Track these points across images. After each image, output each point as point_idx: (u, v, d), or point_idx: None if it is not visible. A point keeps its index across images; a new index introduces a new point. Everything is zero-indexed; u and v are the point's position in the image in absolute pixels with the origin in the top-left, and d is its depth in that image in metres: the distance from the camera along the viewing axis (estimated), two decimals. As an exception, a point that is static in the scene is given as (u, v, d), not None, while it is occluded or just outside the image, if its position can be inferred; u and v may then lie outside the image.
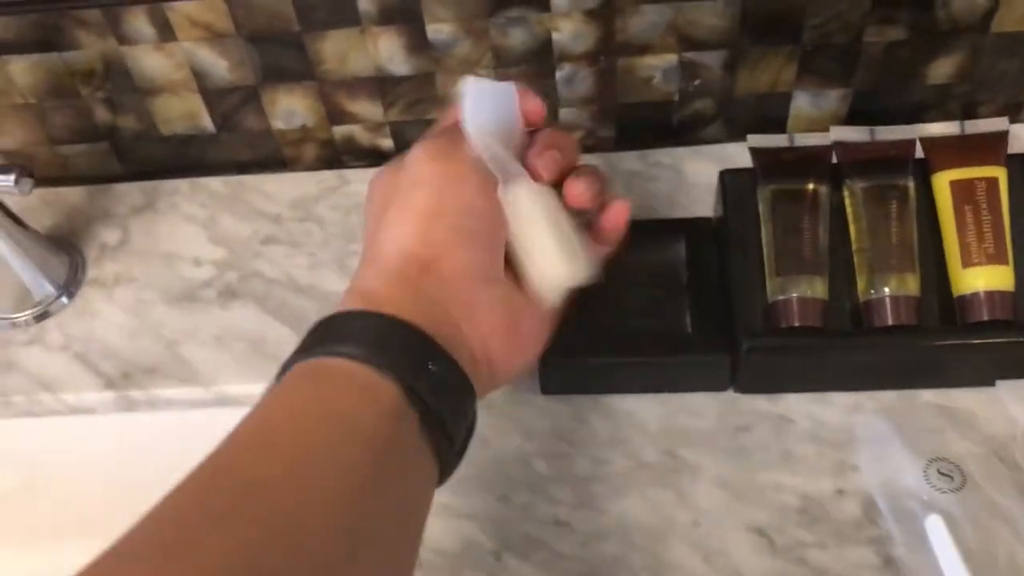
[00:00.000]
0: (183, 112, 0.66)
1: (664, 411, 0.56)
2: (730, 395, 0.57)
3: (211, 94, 0.65)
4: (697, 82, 0.64)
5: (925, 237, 0.54)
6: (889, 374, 0.55)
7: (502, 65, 0.63)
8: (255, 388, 0.59)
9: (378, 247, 0.44)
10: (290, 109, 0.66)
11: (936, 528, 0.50)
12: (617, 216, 0.47)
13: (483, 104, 0.44)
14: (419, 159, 0.44)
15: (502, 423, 0.57)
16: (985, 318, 0.52)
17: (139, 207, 0.69)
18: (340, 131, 0.68)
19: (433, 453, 0.39)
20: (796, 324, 0.53)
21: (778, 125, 0.67)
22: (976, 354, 0.54)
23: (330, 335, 0.41)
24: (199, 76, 0.64)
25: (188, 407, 0.61)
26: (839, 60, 0.62)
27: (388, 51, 0.62)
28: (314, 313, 0.61)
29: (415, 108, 0.66)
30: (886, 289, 0.53)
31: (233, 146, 0.69)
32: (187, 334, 0.62)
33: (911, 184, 0.55)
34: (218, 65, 0.63)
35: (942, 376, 0.55)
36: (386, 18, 0.60)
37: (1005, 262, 0.53)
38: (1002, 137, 0.56)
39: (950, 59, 0.62)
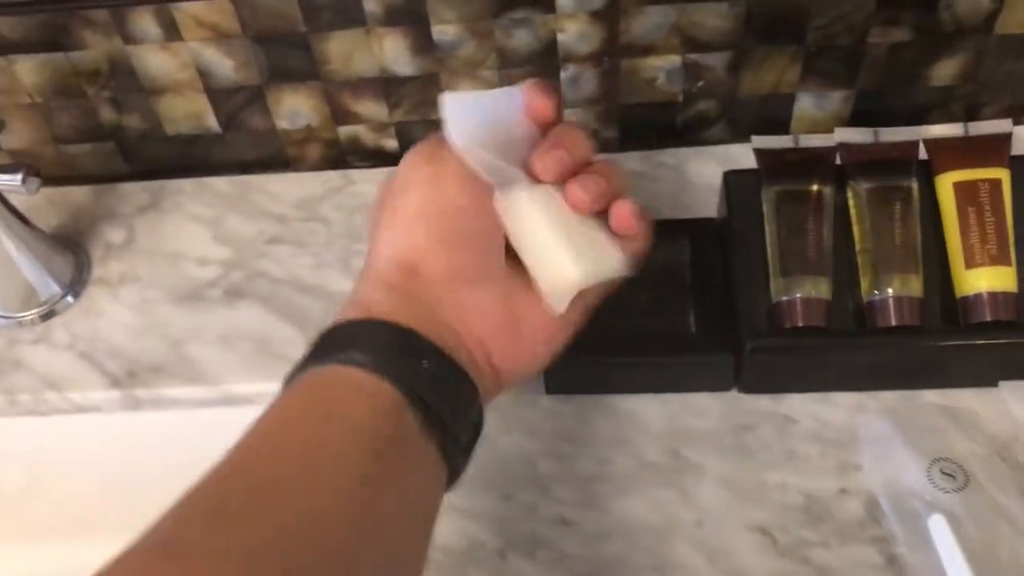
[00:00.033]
0: (188, 112, 0.66)
1: (668, 411, 0.57)
2: (734, 395, 0.57)
3: (216, 94, 0.65)
4: (701, 83, 0.64)
5: (928, 238, 0.55)
6: (892, 374, 0.56)
7: (507, 66, 0.63)
8: (260, 387, 0.60)
9: (372, 254, 0.44)
10: (295, 109, 0.66)
11: (939, 528, 0.50)
12: (620, 219, 0.44)
13: (466, 116, 0.43)
14: (407, 163, 0.44)
15: (506, 423, 0.57)
16: (988, 319, 0.53)
17: (144, 206, 0.69)
18: (345, 131, 0.68)
19: (439, 451, 0.40)
20: (800, 324, 0.53)
21: (781, 126, 0.67)
22: (979, 355, 0.54)
23: (326, 346, 0.41)
24: (204, 76, 0.64)
25: (193, 406, 0.61)
26: (843, 61, 0.62)
27: (393, 52, 0.62)
28: (319, 312, 0.62)
29: (420, 109, 0.66)
30: (889, 290, 0.53)
31: (238, 146, 0.69)
32: (192, 333, 0.63)
33: (915, 185, 0.55)
34: (224, 65, 0.63)
35: (945, 376, 0.55)
36: (392, 19, 0.60)
37: (1008, 263, 0.53)
38: (1006, 139, 0.56)
39: (954, 61, 0.62)
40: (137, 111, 0.66)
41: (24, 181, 0.58)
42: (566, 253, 0.43)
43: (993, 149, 0.56)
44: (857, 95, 0.65)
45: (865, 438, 0.54)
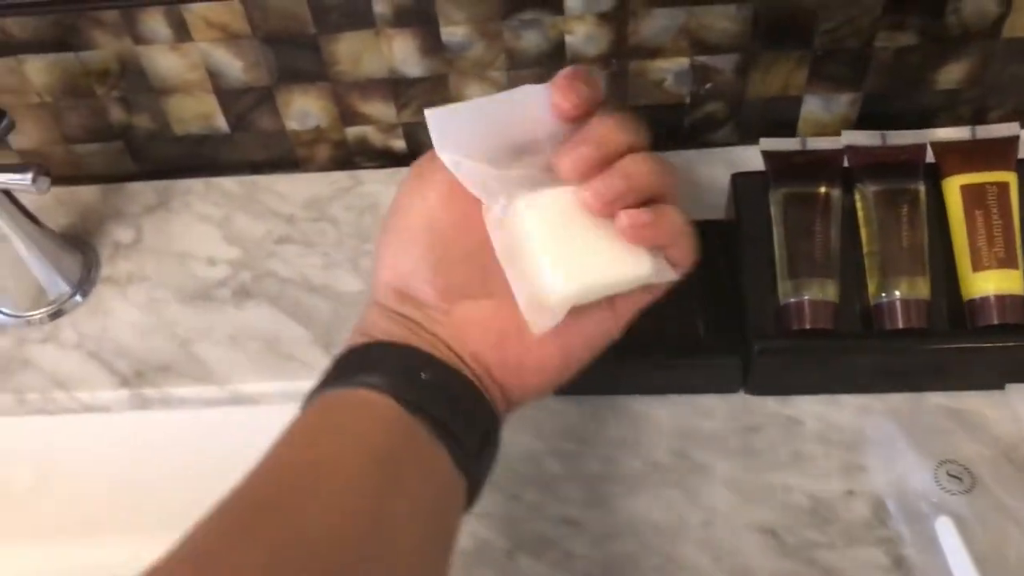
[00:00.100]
0: (197, 112, 0.67)
1: (675, 412, 0.57)
2: (741, 396, 0.57)
3: (226, 94, 0.65)
4: (709, 85, 0.64)
5: (936, 241, 0.55)
6: (899, 376, 0.56)
7: (515, 67, 0.63)
8: (269, 387, 0.60)
9: (373, 278, 0.45)
10: (304, 110, 0.66)
11: (946, 529, 0.50)
12: (621, 230, 0.41)
13: (456, 127, 0.42)
14: (403, 181, 0.44)
15: (513, 423, 0.56)
16: (995, 322, 0.53)
17: (153, 206, 0.69)
18: (353, 132, 0.68)
19: (452, 461, 0.40)
20: (807, 326, 0.53)
21: (788, 128, 0.67)
22: (986, 357, 0.54)
23: (335, 372, 0.42)
24: (214, 76, 0.64)
25: (202, 406, 0.61)
26: (850, 65, 0.63)
27: (402, 53, 0.63)
28: (328, 312, 0.63)
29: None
30: (897, 292, 0.53)
31: (247, 146, 0.69)
32: (201, 333, 0.63)
33: (922, 188, 0.55)
34: (233, 66, 0.63)
35: (952, 379, 0.56)
36: (401, 20, 0.61)
37: (1015, 266, 0.53)
38: (1013, 142, 0.56)
39: (960, 64, 0.62)
40: (146, 111, 0.67)
41: (34, 180, 0.58)
42: (548, 268, 0.41)
43: (1000, 152, 0.56)
44: (864, 98, 0.65)
45: (872, 440, 0.55)
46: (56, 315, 0.65)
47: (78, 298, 0.65)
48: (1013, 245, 0.53)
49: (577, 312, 0.42)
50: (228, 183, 0.70)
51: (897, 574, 0.50)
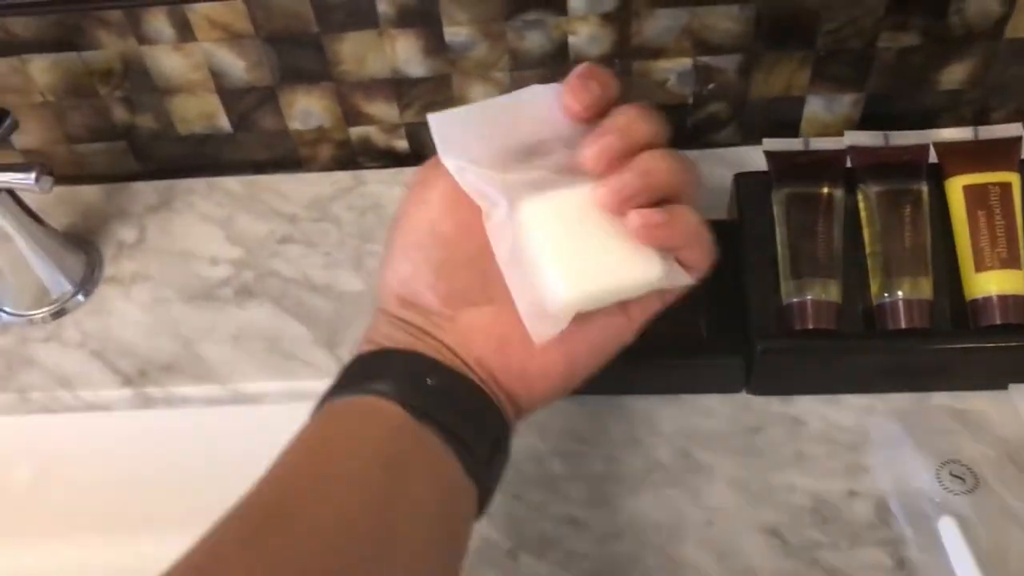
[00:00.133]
0: (200, 112, 0.67)
1: (678, 412, 0.57)
2: (743, 396, 0.57)
3: (229, 94, 0.65)
4: (711, 86, 0.64)
5: (938, 241, 0.55)
6: (902, 377, 0.56)
7: (519, 68, 0.63)
8: (271, 386, 0.60)
9: (379, 286, 0.45)
10: (307, 110, 0.66)
11: (949, 530, 0.50)
12: (636, 230, 0.39)
13: (457, 131, 0.41)
14: (408, 186, 0.44)
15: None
16: (998, 322, 0.53)
17: (156, 206, 0.69)
18: (356, 132, 0.68)
19: (461, 466, 0.40)
20: (810, 326, 0.53)
21: (791, 129, 0.67)
22: (989, 357, 0.54)
23: (343, 381, 0.42)
24: (217, 76, 0.64)
25: (204, 405, 0.61)
26: (853, 65, 0.63)
27: (405, 53, 0.63)
28: (330, 312, 0.63)
29: (430, 110, 0.66)
30: (899, 292, 0.53)
31: (250, 146, 0.69)
32: (204, 332, 0.63)
33: (925, 188, 0.55)
34: (236, 65, 0.64)
35: (955, 379, 0.56)
36: (404, 20, 0.61)
37: (1018, 266, 0.53)
38: (1016, 142, 0.56)
39: (963, 65, 0.62)
40: (150, 111, 0.67)
41: (37, 180, 0.58)
42: (551, 274, 0.40)
43: (1003, 153, 0.56)
44: (867, 98, 0.65)
45: (875, 440, 0.55)
46: (59, 314, 0.65)
47: (81, 297, 0.65)
48: (1016, 245, 0.53)
49: (583, 318, 0.41)
50: (231, 183, 0.70)
51: (900, 574, 0.50)
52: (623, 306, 0.42)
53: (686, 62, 0.63)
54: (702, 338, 0.56)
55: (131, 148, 0.69)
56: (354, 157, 0.70)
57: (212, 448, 0.63)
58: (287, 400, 0.60)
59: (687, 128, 0.67)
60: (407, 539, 0.37)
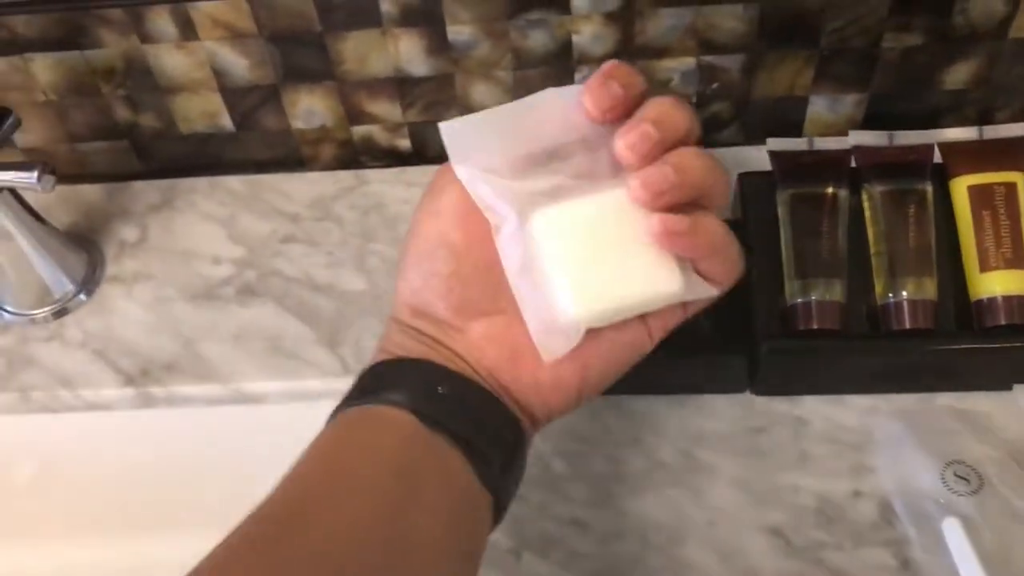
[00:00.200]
0: (203, 111, 0.67)
1: (681, 412, 0.57)
2: (747, 396, 0.57)
3: (231, 93, 0.65)
4: (715, 85, 0.64)
5: (943, 241, 0.55)
6: (906, 377, 0.56)
7: (522, 67, 0.63)
8: (273, 386, 0.60)
9: (394, 296, 0.45)
10: (310, 109, 0.66)
11: (953, 530, 0.50)
12: (657, 236, 0.38)
13: (469, 141, 0.40)
14: (422, 198, 0.44)
15: (519, 422, 0.57)
16: (1003, 322, 0.52)
17: (158, 205, 0.69)
18: (359, 131, 0.68)
19: (475, 474, 0.39)
20: (814, 326, 0.53)
21: (795, 128, 0.67)
22: (993, 358, 0.54)
23: (357, 391, 0.42)
24: (219, 75, 0.64)
25: (206, 404, 0.61)
26: (856, 65, 0.63)
27: (408, 52, 0.62)
28: (332, 311, 0.63)
29: (433, 109, 0.66)
30: (904, 293, 0.53)
31: (252, 145, 0.69)
32: (206, 331, 0.63)
33: (929, 188, 0.55)
34: (239, 64, 0.63)
35: (959, 380, 0.55)
36: (407, 20, 0.61)
37: (1023, 267, 0.53)
38: (1020, 142, 0.56)
39: (967, 64, 0.62)
40: (152, 110, 0.66)
41: (39, 179, 0.58)
42: (562, 288, 0.39)
43: (1008, 153, 0.56)
44: (870, 98, 0.65)
45: (879, 440, 0.55)
46: (60, 313, 0.64)
47: (83, 296, 0.65)
48: (1021, 245, 0.53)
49: (598, 331, 0.40)
50: (233, 182, 0.70)
51: (904, 575, 0.50)
52: (642, 318, 0.42)
53: (690, 61, 0.63)
54: (706, 338, 0.56)
55: (133, 147, 0.69)
56: (357, 156, 0.70)
57: (214, 448, 0.63)
58: (289, 400, 0.60)
59: (690, 128, 0.67)
60: (420, 546, 0.37)
